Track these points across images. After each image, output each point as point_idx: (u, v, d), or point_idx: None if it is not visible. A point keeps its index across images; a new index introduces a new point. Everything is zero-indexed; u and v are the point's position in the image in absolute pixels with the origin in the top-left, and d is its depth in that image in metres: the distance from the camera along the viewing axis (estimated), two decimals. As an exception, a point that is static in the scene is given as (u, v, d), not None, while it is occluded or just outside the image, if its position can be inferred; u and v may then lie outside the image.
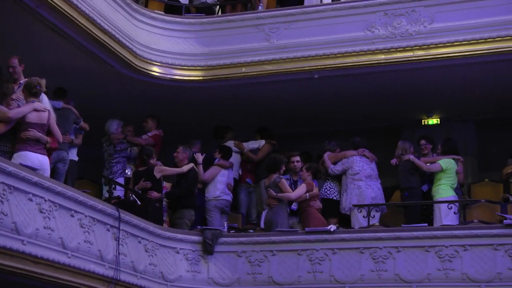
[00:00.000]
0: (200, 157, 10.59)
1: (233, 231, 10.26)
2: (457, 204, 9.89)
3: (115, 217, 8.75)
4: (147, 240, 9.34)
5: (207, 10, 11.45)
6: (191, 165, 10.26)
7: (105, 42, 9.71)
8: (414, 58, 10.19)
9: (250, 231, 10.23)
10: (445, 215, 9.90)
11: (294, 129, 12.42)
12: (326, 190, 10.66)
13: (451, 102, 11.45)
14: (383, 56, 10.29)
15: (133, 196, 9.65)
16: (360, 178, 10.47)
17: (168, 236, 9.68)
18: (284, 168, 10.25)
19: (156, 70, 10.63)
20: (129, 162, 10.79)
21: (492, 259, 9.00)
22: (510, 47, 9.69)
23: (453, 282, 9.07)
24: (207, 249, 9.79)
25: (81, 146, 9.87)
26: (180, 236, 9.79)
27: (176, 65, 10.70)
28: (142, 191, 9.83)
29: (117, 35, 9.86)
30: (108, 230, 8.66)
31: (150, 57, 10.52)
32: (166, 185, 10.36)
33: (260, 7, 11.02)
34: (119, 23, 9.92)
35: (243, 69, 10.68)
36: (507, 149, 11.36)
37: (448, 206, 9.86)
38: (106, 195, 9.73)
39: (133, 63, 10.31)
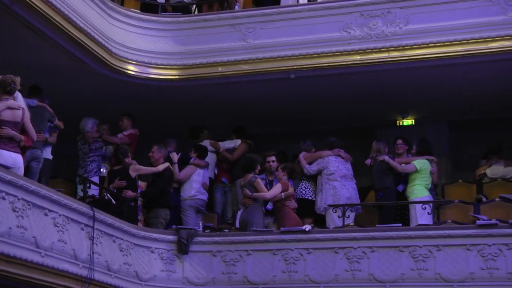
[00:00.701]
0: (175, 156, 10.57)
1: (208, 230, 10.24)
2: (431, 204, 9.97)
3: (90, 216, 8.71)
4: (122, 239, 9.30)
5: (184, 9, 11.42)
6: (167, 164, 10.24)
7: (81, 40, 9.66)
8: (389, 59, 10.25)
9: (225, 230, 10.22)
10: (421, 215, 9.97)
11: (270, 129, 12.44)
12: (301, 190, 10.68)
13: (426, 103, 11.53)
14: (359, 57, 10.33)
15: (108, 195, 9.60)
16: (335, 178, 10.51)
17: (143, 236, 9.65)
18: (259, 168, 10.26)
19: (132, 69, 10.59)
20: (104, 161, 10.73)
21: (465, 259, 9.08)
22: (483, 49, 9.79)
23: (426, 282, 9.14)
24: (182, 248, 9.78)
25: (56, 144, 9.79)
26: (155, 235, 9.76)
27: (152, 64, 10.67)
28: (117, 190, 9.79)
29: (92, 33, 9.81)
30: (82, 229, 8.61)
31: (126, 56, 10.47)
32: (141, 184, 10.32)
33: (236, 7, 11.03)
34: (94, 21, 9.87)
35: (219, 69, 10.67)
36: (480, 150, 11.49)
37: (422, 206, 9.94)
38: (81, 194, 9.67)
39: (109, 61, 10.26)
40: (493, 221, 9.11)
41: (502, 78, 10.51)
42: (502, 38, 9.73)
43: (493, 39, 9.76)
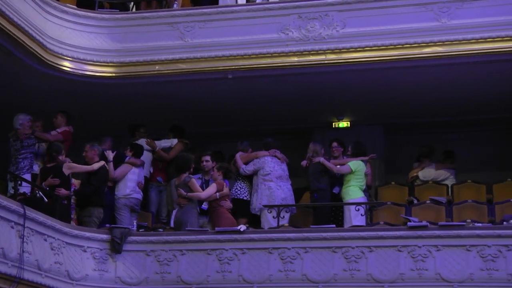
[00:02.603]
0: (110, 155, 10.46)
1: (143, 230, 10.16)
2: (364, 206, 10.11)
3: (20, 214, 8.54)
4: (53, 238, 9.16)
5: (121, 6, 11.32)
6: (102, 162, 10.13)
7: (14, 35, 9.47)
8: (326, 62, 10.35)
9: (160, 230, 10.16)
10: (355, 217, 10.11)
11: (207, 128, 12.42)
12: (236, 190, 10.71)
13: (361, 105, 11.69)
14: (296, 59, 10.40)
15: (40, 193, 9.44)
16: (271, 179, 10.57)
17: (76, 234, 9.52)
18: (193, 167, 10.22)
19: (67, 65, 10.44)
20: (37, 158, 10.52)
21: (396, 260, 9.21)
22: (417, 54, 9.98)
23: (358, 283, 9.24)
24: (116, 247, 9.68)
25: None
26: (88, 234, 9.63)
27: (88, 61, 10.54)
28: (50, 188, 9.64)
29: (27, 28, 9.63)
30: (12, 227, 8.44)
31: (61, 52, 10.32)
32: (75, 182, 10.18)
33: (175, 5, 10.97)
34: (29, 15, 9.68)
35: (157, 67, 10.61)
36: (413, 153, 11.70)
37: (355, 208, 10.07)
38: (12, 191, 9.48)
39: (43, 57, 10.09)
40: (424, 222, 9.28)
41: (434, 82, 10.73)
42: (435, 44, 9.94)
43: (427, 45, 9.96)
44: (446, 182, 11.17)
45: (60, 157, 9.99)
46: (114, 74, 10.70)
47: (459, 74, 10.48)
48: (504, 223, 9.24)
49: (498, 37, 9.73)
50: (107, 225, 9.94)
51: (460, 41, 9.85)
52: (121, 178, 10.51)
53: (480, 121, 12.17)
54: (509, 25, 9.73)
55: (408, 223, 9.35)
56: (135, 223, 10.21)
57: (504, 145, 12.13)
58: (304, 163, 10.79)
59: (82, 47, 10.53)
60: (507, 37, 9.72)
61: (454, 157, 11.45)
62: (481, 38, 9.78)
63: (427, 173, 11.25)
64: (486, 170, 11.89)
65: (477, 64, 10.11)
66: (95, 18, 10.73)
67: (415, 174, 11.35)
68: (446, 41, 9.92)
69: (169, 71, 10.62)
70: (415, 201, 10.73)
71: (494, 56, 9.84)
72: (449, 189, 11.03)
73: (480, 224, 9.28)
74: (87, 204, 9.92)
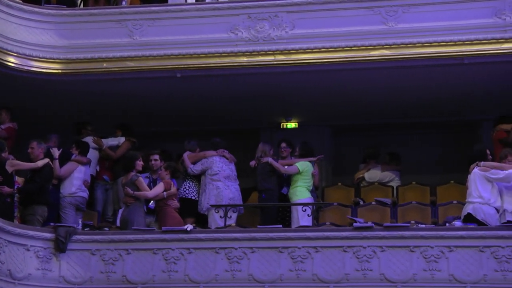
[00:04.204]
0: (56, 152, 10.33)
1: (88, 228, 10.06)
2: (311, 206, 10.18)
3: (-40, 212, 8.38)
4: (-5, 236, 9.01)
5: (69, 2, 11.16)
6: (46, 160, 9.99)
7: (-45, 29, 9.29)
8: (275, 62, 10.38)
9: (105, 229, 10.07)
10: (302, 217, 10.17)
11: (155, 127, 12.36)
12: (184, 189, 10.68)
13: (309, 107, 11.77)
14: (245, 59, 10.42)
15: (-18, 191, 9.27)
16: (219, 179, 10.57)
17: (18, 233, 9.34)
18: (139, 165, 10.13)
19: (12, 61, 10.26)
20: (-21, 156, 10.33)
21: (341, 260, 9.27)
22: (365, 56, 10.07)
23: (303, 283, 9.28)
24: (60, 246, 9.55)
25: None
26: (31, 233, 9.47)
27: (33, 57, 10.37)
28: (-8, 185, 9.47)
29: (-31, 22, 9.47)
30: (-49, 226, 8.28)
31: (5, 47, 10.14)
32: (18, 180, 10.02)
33: (123, 3, 10.90)
34: (-27, 9, 9.52)
35: (104, 64, 10.51)
36: (359, 155, 11.83)
37: (302, 208, 10.14)
38: (-48, 189, 9.30)
39: (-13, 52, 9.93)
40: (369, 223, 9.38)
41: (381, 85, 10.86)
42: (382, 47, 10.05)
43: (374, 47, 10.07)
44: (392, 183, 11.33)
45: (3, 154, 9.81)
46: (60, 71, 10.55)
47: (406, 77, 10.63)
48: (447, 224, 9.40)
49: (443, 42, 9.90)
50: (52, 223, 9.81)
51: (407, 44, 10.00)
52: (66, 176, 10.40)
53: (425, 124, 12.39)
54: (454, 30, 9.91)
55: (354, 224, 9.44)
56: (80, 221, 10.08)
57: (447, 147, 12.37)
58: (252, 163, 10.82)
59: (27, 42, 10.36)
60: (451, 42, 9.90)
61: (399, 159, 11.61)
62: (426, 42, 9.94)
63: (373, 174, 11.40)
64: (430, 172, 12.11)
65: (422, 67, 10.27)
66: (41, 13, 10.56)
67: (361, 175, 11.48)
68: (393, 45, 10.04)
69: (117, 69, 10.53)
70: (361, 202, 10.85)
71: (439, 60, 10.02)
72: (394, 191, 11.19)
73: (423, 226, 9.42)
74: (31, 202, 9.76)
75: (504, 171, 9.13)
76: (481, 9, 9.95)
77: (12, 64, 10.28)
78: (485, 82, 10.70)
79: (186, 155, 10.86)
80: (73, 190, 10.37)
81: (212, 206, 10.36)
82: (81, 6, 11.33)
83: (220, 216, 10.26)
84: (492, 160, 9.48)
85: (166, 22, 10.55)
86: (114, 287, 9.51)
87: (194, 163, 10.76)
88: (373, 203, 10.56)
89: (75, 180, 10.42)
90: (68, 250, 9.58)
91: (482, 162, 9.27)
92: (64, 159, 10.46)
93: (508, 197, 9.17)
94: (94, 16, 10.68)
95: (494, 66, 10.19)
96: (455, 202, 10.23)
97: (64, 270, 9.54)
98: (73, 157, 10.57)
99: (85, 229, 10.01)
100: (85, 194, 10.50)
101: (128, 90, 11.09)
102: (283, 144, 10.97)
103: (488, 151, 9.52)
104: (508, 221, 9.05)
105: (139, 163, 10.07)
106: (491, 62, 10.04)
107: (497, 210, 9.17)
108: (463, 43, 9.88)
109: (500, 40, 9.83)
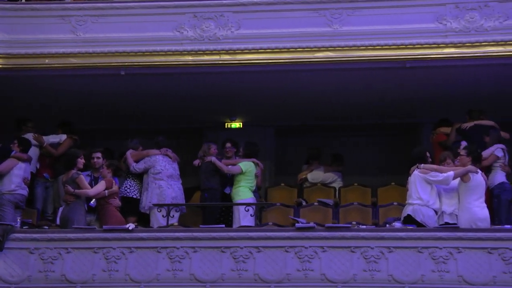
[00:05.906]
0: (-5, 149, 10.14)
1: (27, 227, 9.89)
2: (254, 206, 10.21)
3: None
4: None
5: (11, -5, 10.99)
6: (-15, 156, 9.80)
7: None
8: (220, 62, 10.38)
9: (45, 227, 9.92)
10: (244, 217, 10.19)
11: (97, 124, 12.24)
12: (126, 188, 10.60)
13: (254, 107, 11.81)
14: (190, 58, 10.38)
15: None
16: (162, 178, 10.52)
17: (-46, 231, 9.17)
18: (80, 163, 10.00)
19: (-51, 56, 10.05)
20: None
21: (283, 260, 9.31)
22: (310, 58, 10.12)
23: (245, 282, 9.29)
24: (-3, 245, 9.38)
25: None
26: (-33, 231, 9.30)
27: (-28, 51, 10.18)
28: None
29: None
30: None
31: None
32: (-46, 177, 9.81)
33: (67, -2, 10.76)
34: None
35: (47, 61, 10.34)
36: (302, 155, 11.92)
37: (245, 208, 10.16)
38: None
39: None
40: (311, 224, 9.45)
41: (325, 87, 10.97)
42: (327, 49, 10.13)
43: (319, 49, 10.15)
44: (334, 184, 11.44)
45: None
46: (0, 66, 10.35)
47: (350, 79, 10.75)
48: (387, 225, 9.53)
49: (386, 45, 10.03)
50: (-11, 221, 9.63)
51: (351, 47, 10.10)
52: (6, 172, 10.19)
53: (368, 126, 12.57)
54: (397, 34, 10.05)
55: (296, 224, 9.50)
56: (19, 219, 9.89)
57: (389, 150, 12.57)
58: (196, 162, 10.79)
59: (-34, 36, 10.18)
60: (394, 45, 10.03)
61: (342, 160, 11.74)
62: (370, 45, 10.06)
63: (316, 175, 11.49)
64: (372, 173, 12.28)
65: (366, 70, 10.39)
66: (-18, 7, 10.37)
67: (304, 176, 11.57)
68: (337, 47, 10.14)
69: (60, 65, 10.38)
70: (304, 203, 10.93)
71: (382, 63, 10.15)
72: (337, 192, 11.31)
73: (364, 226, 9.54)
74: (-32, 200, 9.57)
75: (443, 173, 9.29)
76: (424, 14, 10.12)
77: (-51, 59, 10.08)
78: (427, 86, 10.89)
79: (128, 154, 10.78)
80: (12, 188, 10.17)
81: (155, 205, 10.30)
82: (24, 0, 11.13)
83: (163, 215, 10.22)
84: (432, 163, 9.64)
85: (111, 19, 10.45)
86: (52, 286, 9.36)
87: (137, 161, 10.69)
88: (315, 203, 10.66)
89: (14, 177, 10.21)
90: (6, 248, 9.40)
91: (422, 165, 9.43)
92: (3, 155, 10.26)
93: (446, 199, 9.35)
94: (37, 11, 10.50)
95: (435, 71, 10.39)
96: (395, 203, 10.39)
97: (1, 269, 9.35)
98: (13, 153, 10.37)
99: (24, 227, 9.84)
100: (24, 191, 10.30)
101: (71, 86, 10.95)
102: (228, 144, 10.98)
103: (428, 154, 9.68)
104: (446, 223, 9.23)
105: (81, 161, 9.96)
106: (433, 66, 10.22)
107: (436, 212, 9.34)
108: (405, 47, 10.04)
109: (441, 45, 10.01)
